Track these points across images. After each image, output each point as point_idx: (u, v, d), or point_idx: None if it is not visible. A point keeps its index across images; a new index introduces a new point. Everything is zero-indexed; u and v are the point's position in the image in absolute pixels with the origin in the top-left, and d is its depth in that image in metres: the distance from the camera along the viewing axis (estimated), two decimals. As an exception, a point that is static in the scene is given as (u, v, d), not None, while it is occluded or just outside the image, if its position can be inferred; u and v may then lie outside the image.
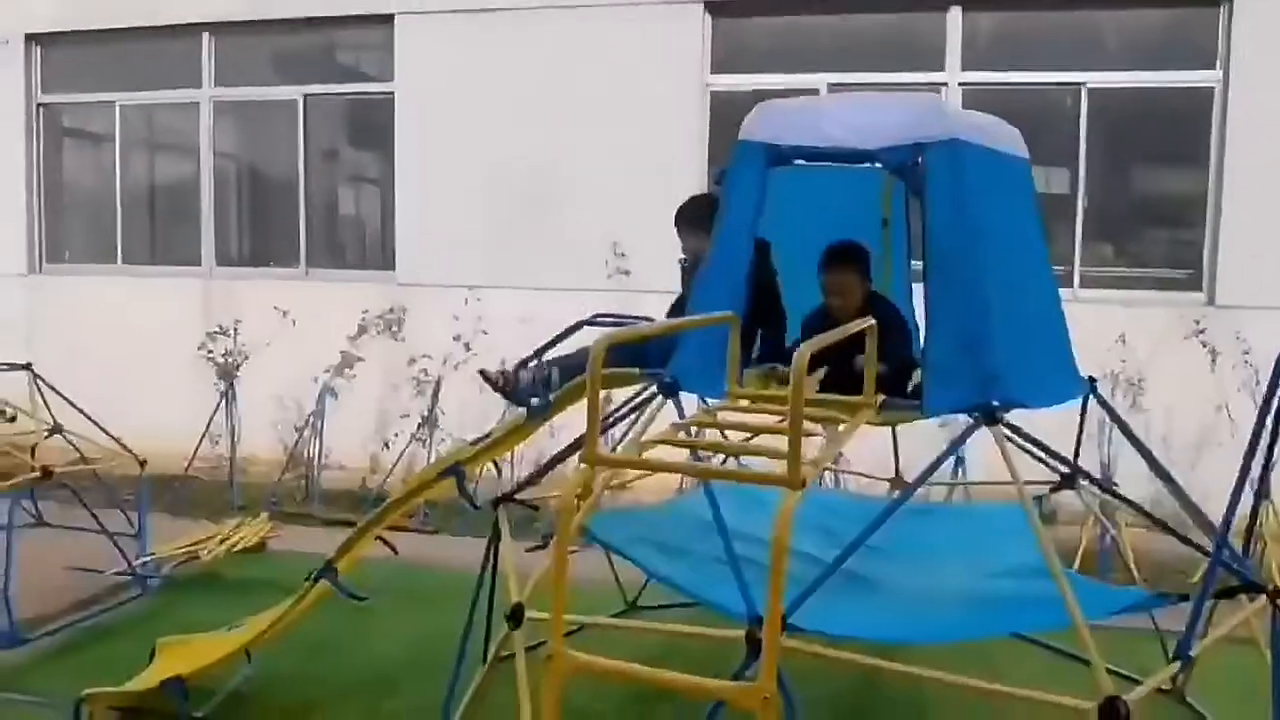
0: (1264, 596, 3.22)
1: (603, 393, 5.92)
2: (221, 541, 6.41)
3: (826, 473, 6.91)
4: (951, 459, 6.80)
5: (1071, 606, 2.71)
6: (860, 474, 5.65)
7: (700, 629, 3.45)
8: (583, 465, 2.11)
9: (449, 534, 6.98)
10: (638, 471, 5.99)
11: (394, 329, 8.13)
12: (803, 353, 2.05)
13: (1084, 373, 4.14)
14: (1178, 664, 2.83)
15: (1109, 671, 3.15)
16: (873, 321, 3.02)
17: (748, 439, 3.22)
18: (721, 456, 3.38)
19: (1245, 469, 3.00)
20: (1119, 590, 4.05)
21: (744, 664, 2.64)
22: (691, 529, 3.97)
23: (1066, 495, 5.32)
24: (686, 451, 3.46)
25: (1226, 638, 3.67)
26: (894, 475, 5.13)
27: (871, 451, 5.44)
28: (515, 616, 3.33)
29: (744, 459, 3.54)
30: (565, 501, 2.07)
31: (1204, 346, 6.94)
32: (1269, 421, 3.25)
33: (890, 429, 5.16)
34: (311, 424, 7.88)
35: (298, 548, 6.00)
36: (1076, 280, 7.68)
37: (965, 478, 6.51)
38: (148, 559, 5.95)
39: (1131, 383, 6.95)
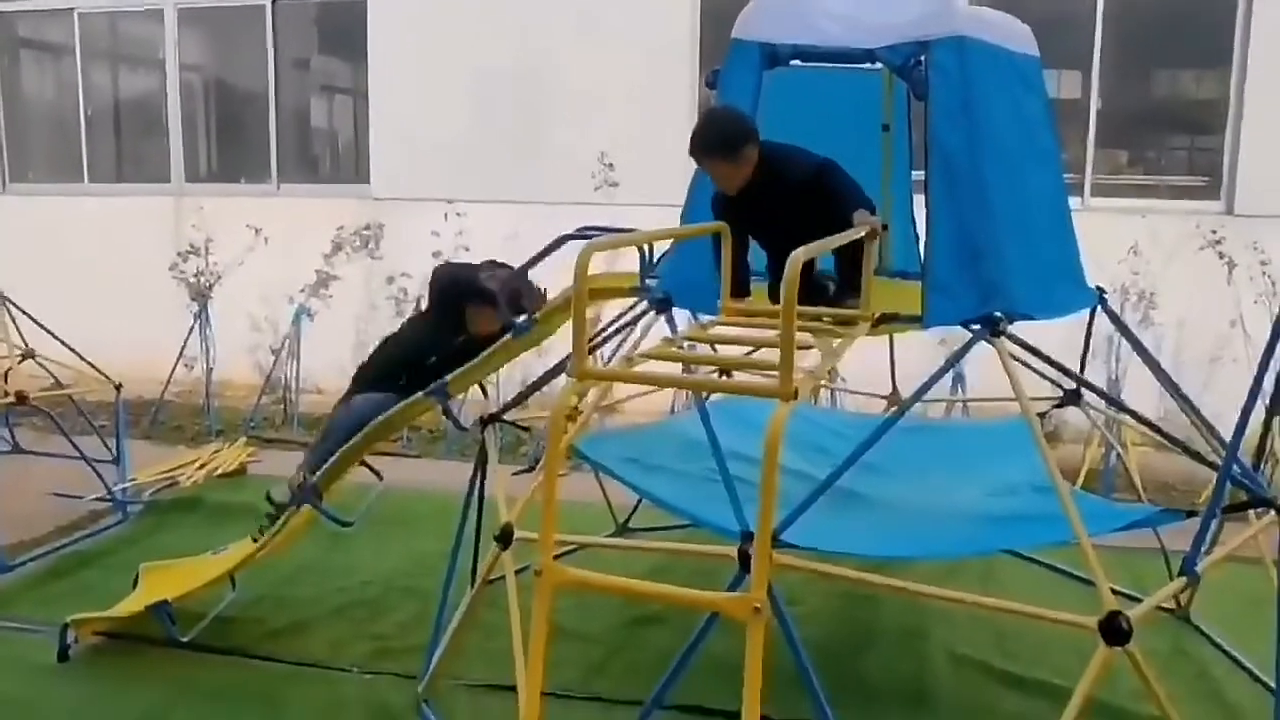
0: (1274, 511, 3.26)
1: (594, 310, 5.96)
2: (201, 467, 6.47)
3: (823, 391, 6.95)
4: (950, 377, 6.87)
5: (1075, 521, 2.74)
6: (857, 392, 5.67)
7: (692, 546, 3.49)
8: (571, 380, 2.10)
9: (432, 458, 7.04)
10: (629, 391, 6.05)
11: (371, 246, 8.07)
12: (796, 258, 2.03)
13: (1092, 285, 4.13)
14: (1183, 580, 2.87)
15: (1113, 591, 3.22)
16: (869, 230, 2.99)
17: (747, 354, 3.22)
18: (713, 371, 3.38)
19: (1258, 383, 3.00)
20: (1124, 507, 4.10)
21: (735, 579, 2.67)
22: (683, 449, 3.99)
23: (1070, 414, 5.37)
24: (680, 368, 3.48)
25: (1234, 558, 3.73)
26: (891, 392, 5.15)
27: (868, 369, 5.46)
28: (504, 537, 3.37)
29: (736, 374, 3.53)
30: (556, 413, 2.07)
31: (1220, 258, 6.92)
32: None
33: (888, 346, 5.17)
34: (288, 346, 7.87)
35: (278, 472, 6.02)
36: (1088, 189, 7.62)
37: (964, 395, 6.57)
38: (127, 485, 6.00)
39: (1143, 296, 6.95)
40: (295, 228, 8.22)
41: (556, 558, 4.84)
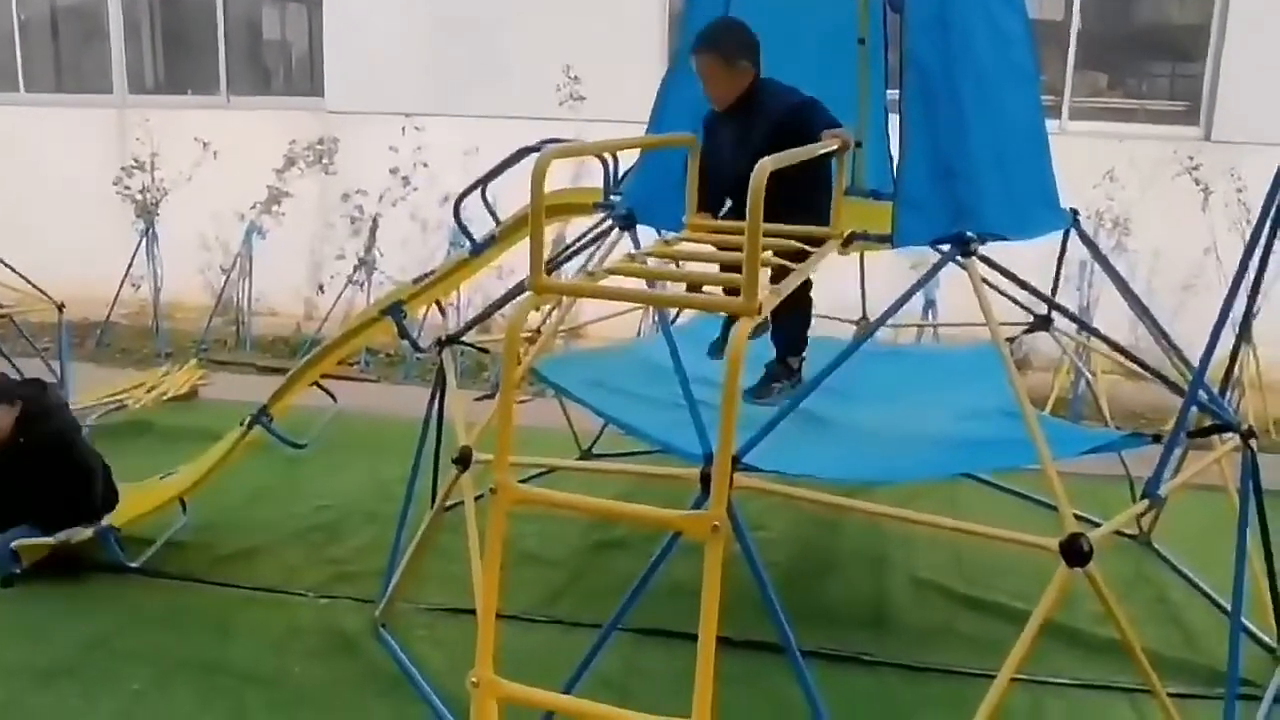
0: (1237, 436, 3.32)
1: (557, 228, 5.89)
2: (150, 390, 6.40)
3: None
4: (921, 303, 6.90)
5: (1039, 443, 2.77)
6: (826, 316, 5.67)
7: (657, 469, 3.51)
8: (529, 295, 2.07)
9: (390, 383, 7.00)
10: (593, 314, 6.01)
11: (325, 162, 7.90)
12: (763, 167, 2.00)
13: (1072, 206, 4.12)
14: (1145, 504, 2.92)
15: (1076, 517, 3.28)
16: (838, 144, 2.95)
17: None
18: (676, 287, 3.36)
19: (1226, 309, 3.03)
20: (1090, 431, 4.16)
21: (698, 502, 2.69)
22: (648, 373, 3.98)
23: (1040, 342, 5.42)
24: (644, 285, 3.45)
25: (1197, 485, 3.81)
26: (860, 317, 5.16)
27: (838, 294, 5.46)
28: (462, 460, 3.36)
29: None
30: (513, 326, 2.04)
31: (1196, 184, 6.95)
32: (1255, 259, 3.27)
33: (859, 269, 5.18)
34: (239, 266, 7.75)
35: (230, 396, 6.00)
36: (1065, 112, 7.60)
37: (935, 321, 6.60)
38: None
39: (1117, 222, 6.98)
40: (245, 142, 8.03)
41: (521, 481, 4.88)
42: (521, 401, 6.52)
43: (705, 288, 2.37)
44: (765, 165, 2.00)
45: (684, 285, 2.65)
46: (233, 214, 7.96)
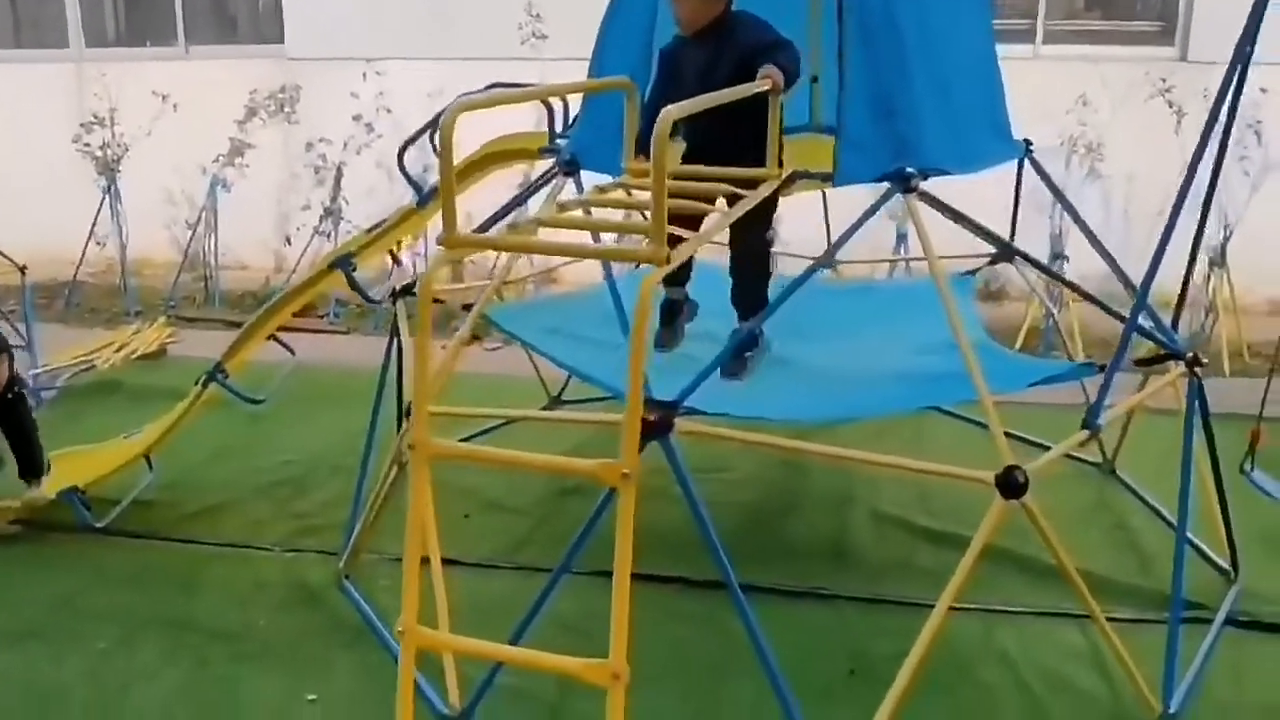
0: (1181, 364, 3.37)
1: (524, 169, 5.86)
2: (119, 349, 6.43)
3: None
4: (894, 237, 6.92)
5: (976, 378, 2.82)
6: (791, 254, 5.69)
7: (615, 416, 3.55)
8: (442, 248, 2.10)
9: (361, 334, 7.03)
10: (559, 260, 6.01)
11: (287, 110, 7.84)
12: (668, 113, 2.02)
13: (1038, 137, 4.12)
14: (1084, 434, 2.98)
15: (1041, 447, 3.34)
16: (770, 84, 2.95)
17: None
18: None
19: (1168, 231, 3.04)
20: (1039, 363, 4.21)
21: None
22: (602, 318, 4.00)
23: (1014, 272, 5.44)
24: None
25: (1164, 411, 3.86)
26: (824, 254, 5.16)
27: (805, 233, 5.47)
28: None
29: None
30: (425, 283, 2.07)
31: (1170, 107, 6.91)
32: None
33: (823, 205, 5.18)
34: (204, 220, 7.74)
35: (200, 353, 6.00)
36: (1039, 35, 7.54)
37: (905, 255, 6.63)
38: (39, 370, 5.96)
39: (1090, 148, 6.96)
40: (205, 93, 7.96)
41: (484, 433, 4.93)
42: (491, 349, 6.59)
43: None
44: (670, 112, 2.02)
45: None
46: (195, 167, 7.92)
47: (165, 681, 3.25)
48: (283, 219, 8.20)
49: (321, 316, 7.19)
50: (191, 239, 7.81)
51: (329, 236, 7.67)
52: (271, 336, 4.28)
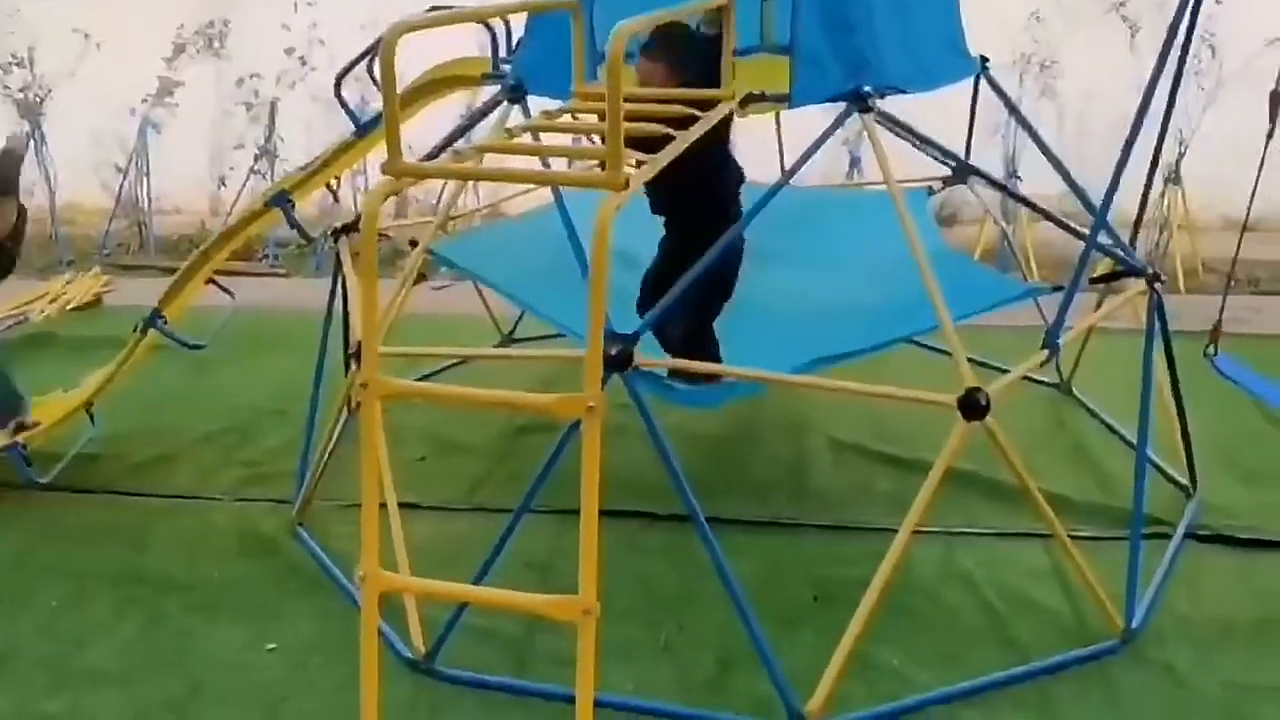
0: (1142, 281, 3.40)
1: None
2: (52, 300, 6.28)
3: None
4: (846, 162, 6.90)
5: (938, 303, 2.82)
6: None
7: (570, 352, 3.52)
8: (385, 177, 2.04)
9: (302, 275, 6.92)
10: (509, 191, 5.92)
11: (216, 46, 7.62)
12: (622, 29, 1.96)
13: (991, 55, 4.08)
14: (1044, 353, 3.00)
15: (998, 369, 3.37)
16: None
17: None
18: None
19: (1128, 146, 3.05)
20: (1001, 277, 4.22)
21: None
22: (554, 246, 3.94)
23: (969, 193, 5.45)
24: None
25: (1122, 330, 3.91)
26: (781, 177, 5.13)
27: (759, 158, 5.43)
28: (358, 356, 3.32)
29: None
30: (369, 212, 2.01)
31: (1124, 21, 6.93)
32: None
33: (776, 129, 5.13)
34: (135, 163, 7.53)
35: (136, 301, 5.86)
36: (993, -49, 7.46)
37: (861, 179, 6.62)
38: (-32, 326, 5.81)
39: (1044, 65, 6.96)
40: (130, 30, 7.69)
41: (436, 374, 4.88)
42: (438, 288, 6.50)
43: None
44: (623, 28, 1.96)
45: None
46: (123, 108, 7.69)
47: (120, 636, 3.21)
48: (217, 159, 8.00)
49: (260, 259, 7.05)
50: (123, 183, 7.61)
51: (265, 176, 7.50)
52: (210, 280, 4.17)
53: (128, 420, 4.59)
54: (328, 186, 4.06)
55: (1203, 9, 3.37)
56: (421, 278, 4.91)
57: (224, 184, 7.84)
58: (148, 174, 7.58)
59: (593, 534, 1.95)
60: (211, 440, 4.51)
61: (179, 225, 7.89)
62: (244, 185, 7.51)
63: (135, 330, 4.01)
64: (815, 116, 3.71)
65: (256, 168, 7.50)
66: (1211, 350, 3.49)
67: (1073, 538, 3.08)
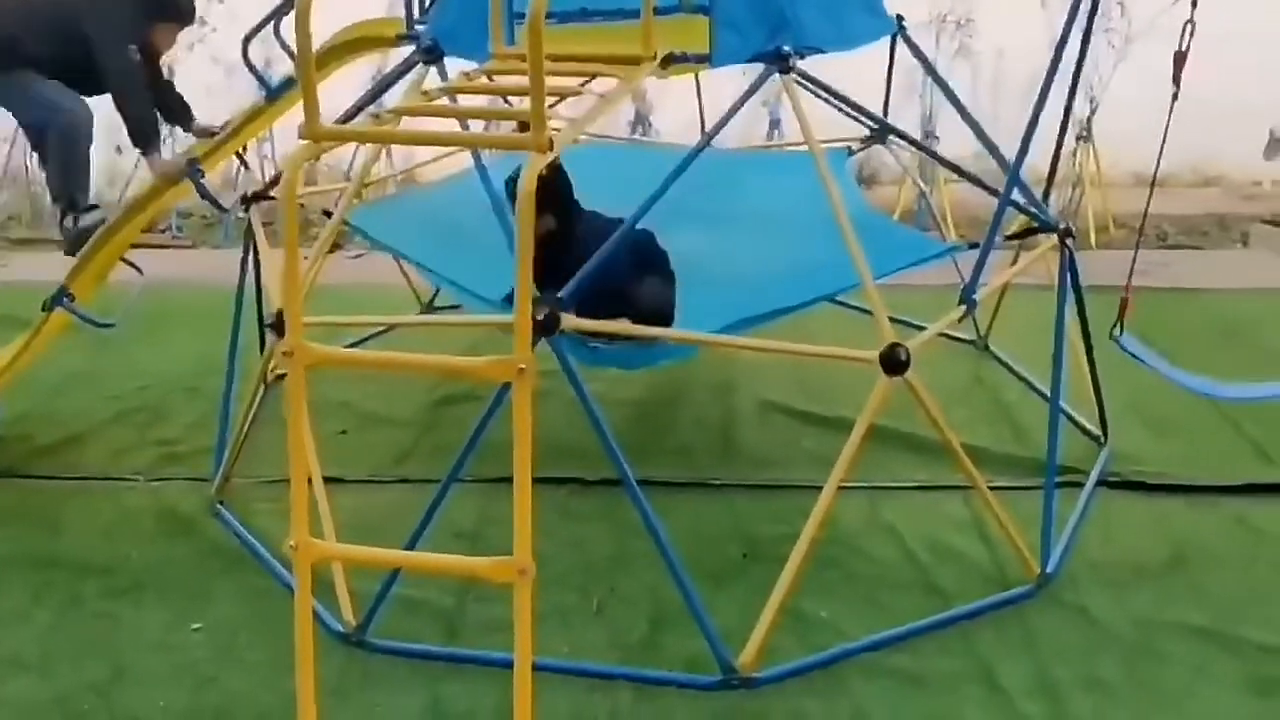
0: (1054, 236, 3.56)
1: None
2: (-60, 280, 6.10)
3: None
4: (766, 123, 7.02)
5: (858, 261, 2.93)
6: (666, 144, 5.74)
7: (494, 318, 3.56)
8: (303, 142, 2.06)
9: (208, 247, 6.81)
10: (422, 156, 5.90)
11: (109, 5, 7.36)
12: (540, -3, 2.00)
13: (907, 13, 4.19)
14: (962, 309, 3.14)
15: (916, 327, 3.50)
16: None
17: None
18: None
19: (1039, 103, 3.18)
20: (919, 235, 4.37)
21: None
22: (474, 212, 3.96)
23: (887, 155, 5.60)
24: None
25: (1038, 287, 4.06)
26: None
27: (685, 122, 5.50)
28: (278, 325, 3.34)
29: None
30: (288, 180, 2.03)
31: (1036, -22, 7.12)
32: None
33: (696, 90, 5.21)
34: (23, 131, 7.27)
35: (32, 276, 5.74)
36: (907, -92, 7.60)
37: (781, 140, 6.73)
38: None
39: (960, 24, 7.14)
40: (10, -13, 7.41)
41: (358, 344, 4.88)
42: (355, 256, 6.48)
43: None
44: (541, -5, 2.00)
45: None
46: (6, 71, 7.41)
47: (38, 622, 3.19)
48: (111, 126, 7.74)
49: (163, 231, 6.92)
50: (10, 151, 7.36)
51: (165, 142, 7.30)
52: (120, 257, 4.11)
53: (31, 402, 4.52)
54: (237, 154, 4.02)
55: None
56: (336, 246, 4.90)
57: (119, 151, 7.61)
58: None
59: (526, 494, 2.02)
60: (122, 420, 4.47)
61: (72, 196, 7.67)
62: (142, 153, 7.33)
63: (43, 309, 3.93)
64: (733, 77, 3.80)
65: (156, 134, 7.30)
66: (1117, 331, 3.68)
67: (991, 488, 3.24)
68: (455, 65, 3.39)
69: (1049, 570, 3.24)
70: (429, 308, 5.37)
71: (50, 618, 3.21)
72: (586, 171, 3.58)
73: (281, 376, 4.38)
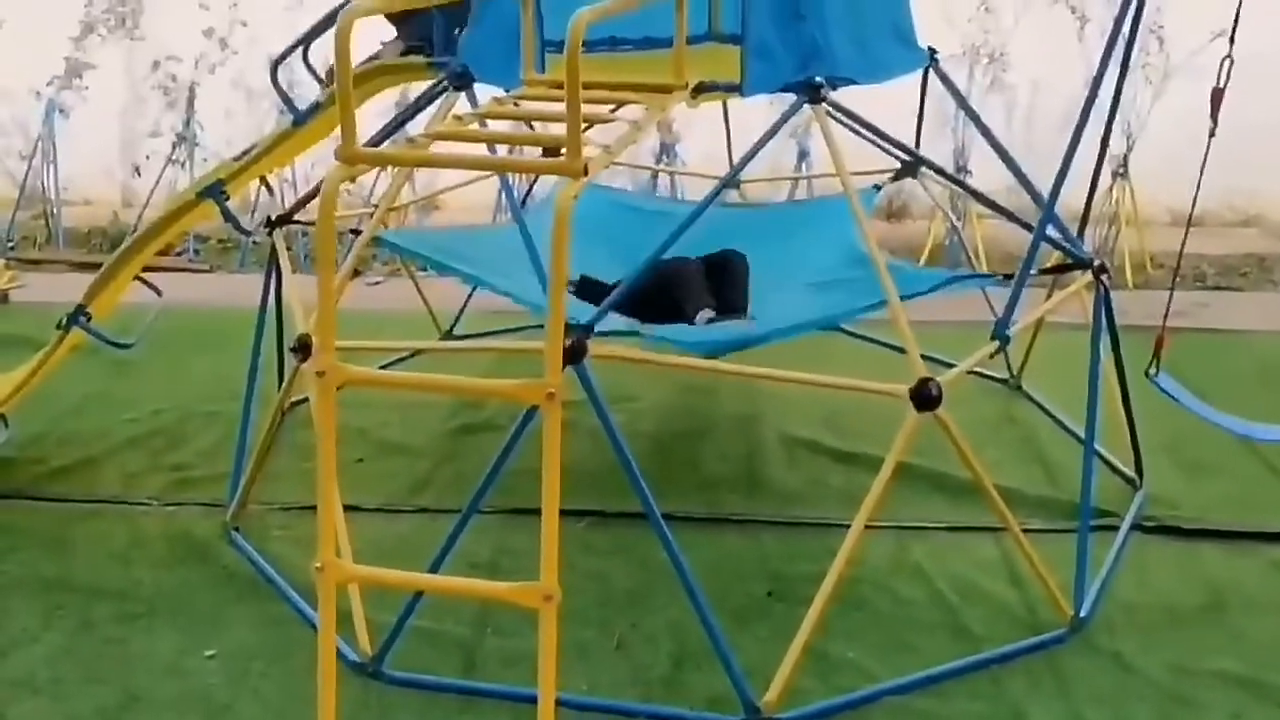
0: (1088, 273, 3.61)
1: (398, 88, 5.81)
2: (-47, 298, 6.21)
3: (663, 176, 7.09)
4: (795, 155, 7.10)
5: (886, 284, 2.99)
6: (694, 174, 5.83)
7: (522, 344, 3.63)
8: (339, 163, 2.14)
9: (226, 271, 6.93)
10: (446, 182, 6.00)
11: (129, 25, 7.59)
12: (581, 16, 2.08)
13: (939, 46, 4.26)
14: (994, 344, 3.19)
15: (947, 364, 3.55)
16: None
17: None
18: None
19: (1074, 142, 3.24)
20: (944, 274, 4.43)
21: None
22: (507, 253, 4.03)
23: (919, 188, 5.66)
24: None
25: (1071, 326, 4.10)
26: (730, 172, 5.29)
27: (709, 152, 5.60)
28: (302, 348, 3.42)
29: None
30: (326, 199, 2.11)
31: (1073, 13, 7.22)
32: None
33: (724, 123, 5.30)
34: (41, 150, 7.46)
35: (45, 297, 5.85)
36: (940, -61, 7.72)
37: (811, 171, 6.81)
38: None
39: (993, 57, 7.23)
40: (34, 6, 7.61)
41: (386, 366, 4.94)
42: (373, 283, 6.58)
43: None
44: (582, 15, 2.09)
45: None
46: (28, 91, 7.61)
47: (47, 644, 3.25)
48: (130, 147, 7.96)
49: (180, 254, 7.05)
50: (28, 172, 7.53)
51: (183, 165, 7.48)
52: (137, 276, 4.20)
53: (45, 423, 4.60)
54: (261, 179, 4.12)
55: (1152, 1, 3.59)
56: (355, 273, 4.99)
57: (138, 173, 7.80)
58: (55, 162, 7.51)
59: (553, 518, 2.07)
60: (137, 443, 4.54)
61: (89, 217, 7.83)
62: (160, 175, 7.48)
63: (58, 327, 4.02)
64: (761, 107, 3.88)
65: (175, 156, 7.47)
66: (1153, 370, 3.72)
67: (1023, 530, 3.27)
68: (482, 92, 3.51)
69: (1082, 614, 3.26)
70: (449, 335, 5.44)
71: (61, 641, 3.27)
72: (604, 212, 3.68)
73: (297, 403, 4.46)
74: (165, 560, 3.71)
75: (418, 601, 3.04)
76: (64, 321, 4.02)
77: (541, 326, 3.16)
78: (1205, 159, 3.43)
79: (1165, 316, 3.68)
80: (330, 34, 2.73)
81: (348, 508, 3.51)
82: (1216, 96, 3.38)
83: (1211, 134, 3.39)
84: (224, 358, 5.19)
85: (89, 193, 8.00)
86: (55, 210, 7.55)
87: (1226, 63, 3.34)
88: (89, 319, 4.00)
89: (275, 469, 4.07)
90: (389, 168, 4.02)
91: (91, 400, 4.89)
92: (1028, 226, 3.58)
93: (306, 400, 4.37)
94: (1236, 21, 3.35)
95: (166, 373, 5.18)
